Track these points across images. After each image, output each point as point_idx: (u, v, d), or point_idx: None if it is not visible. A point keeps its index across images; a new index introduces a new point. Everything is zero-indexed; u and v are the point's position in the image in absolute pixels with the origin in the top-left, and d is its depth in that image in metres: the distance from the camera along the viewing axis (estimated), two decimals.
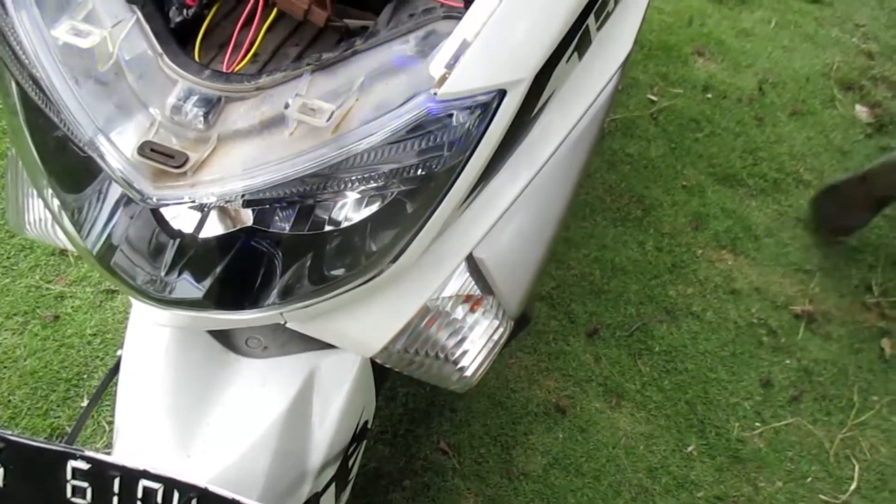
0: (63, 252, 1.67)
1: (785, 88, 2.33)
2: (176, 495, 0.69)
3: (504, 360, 1.56)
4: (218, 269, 0.69)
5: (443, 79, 0.63)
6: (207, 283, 0.70)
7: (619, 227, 1.86)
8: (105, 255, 0.70)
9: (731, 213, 1.93)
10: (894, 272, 1.84)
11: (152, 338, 0.90)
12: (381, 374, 1.01)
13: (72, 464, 0.72)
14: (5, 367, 1.49)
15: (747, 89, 2.31)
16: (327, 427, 0.91)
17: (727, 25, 2.55)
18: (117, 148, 0.65)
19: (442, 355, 0.84)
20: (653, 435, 1.48)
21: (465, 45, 0.63)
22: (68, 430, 1.42)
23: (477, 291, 0.84)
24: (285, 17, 0.77)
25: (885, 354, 1.67)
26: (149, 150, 0.64)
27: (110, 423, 1.44)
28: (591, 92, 0.82)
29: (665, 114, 2.19)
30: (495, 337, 0.86)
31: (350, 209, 0.69)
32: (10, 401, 1.44)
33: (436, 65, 0.63)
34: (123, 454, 0.84)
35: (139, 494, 0.69)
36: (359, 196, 0.67)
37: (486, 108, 0.65)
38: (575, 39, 0.72)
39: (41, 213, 0.88)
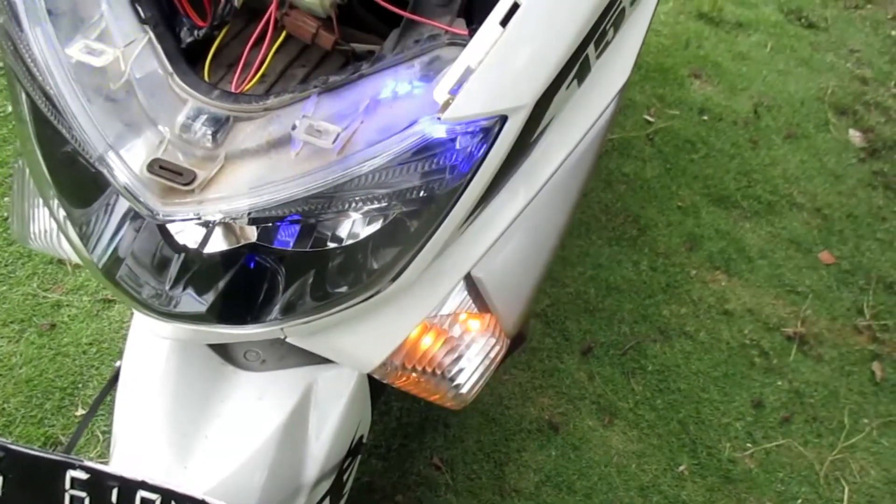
0: (61, 261, 1.68)
1: (780, 112, 2.36)
2: None
3: (498, 377, 1.57)
4: (221, 284, 0.70)
5: (446, 104, 0.65)
6: (211, 297, 0.71)
7: (614, 246, 1.87)
8: (111, 268, 0.71)
9: (725, 235, 1.95)
10: (886, 295, 1.86)
11: (152, 349, 0.90)
12: (377, 388, 1.02)
13: (71, 473, 0.73)
14: (0, 375, 1.49)
15: (742, 112, 2.34)
16: (323, 441, 0.91)
17: (723, 49, 2.59)
18: (127, 164, 0.67)
19: (439, 372, 0.86)
20: (645, 454, 1.49)
21: (468, 72, 0.64)
22: (62, 438, 1.43)
23: (475, 310, 0.85)
24: (293, 39, 0.78)
25: (875, 377, 1.69)
26: (158, 167, 0.65)
27: (104, 432, 1.44)
28: (590, 117, 0.84)
29: (661, 135, 2.22)
30: (492, 355, 0.88)
31: (352, 227, 0.70)
32: (4, 409, 1.45)
33: (440, 90, 0.65)
34: (121, 464, 0.85)
35: None
36: (361, 216, 0.68)
37: (488, 132, 0.67)
38: (575, 67, 0.74)
39: (46, 225, 0.89)
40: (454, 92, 0.65)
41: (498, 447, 1.47)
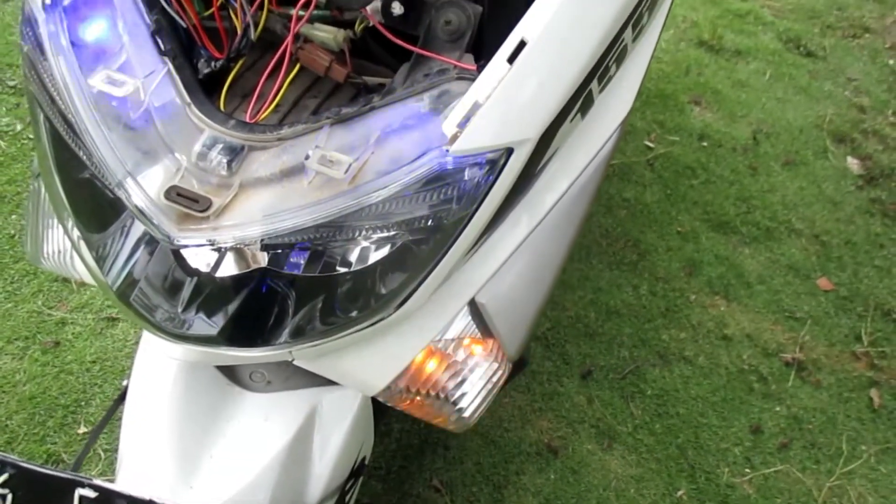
0: (66, 279, 1.70)
1: (778, 139, 2.39)
2: None
3: (498, 399, 1.58)
4: (232, 308, 0.72)
5: (454, 137, 0.67)
6: (222, 320, 0.72)
7: (614, 270, 1.89)
8: (125, 290, 0.73)
9: (725, 260, 1.97)
10: (884, 322, 1.87)
11: (160, 369, 0.92)
12: (380, 410, 1.03)
13: (79, 492, 0.74)
14: (4, 392, 1.50)
15: (742, 139, 2.37)
16: (327, 462, 0.93)
17: (723, 76, 2.62)
18: (145, 190, 0.69)
19: (442, 396, 0.87)
20: (643, 478, 1.50)
21: (476, 107, 0.67)
22: (64, 456, 1.43)
23: (478, 335, 0.86)
24: (305, 71, 0.81)
25: (873, 404, 1.70)
26: (175, 194, 0.67)
27: (106, 450, 1.45)
28: (593, 148, 0.86)
29: (661, 160, 2.24)
30: (494, 379, 0.89)
31: (361, 253, 0.72)
32: (7, 425, 1.45)
33: (448, 123, 0.67)
34: (127, 483, 0.86)
35: None
36: (369, 244, 0.70)
37: (494, 164, 0.69)
38: (579, 102, 0.77)
39: (59, 245, 0.91)
40: (462, 125, 0.67)
41: (497, 469, 1.48)
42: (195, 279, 0.71)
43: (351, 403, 0.94)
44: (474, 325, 0.86)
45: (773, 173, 2.26)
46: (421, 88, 0.72)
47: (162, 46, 0.74)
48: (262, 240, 0.68)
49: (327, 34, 0.78)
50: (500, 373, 0.89)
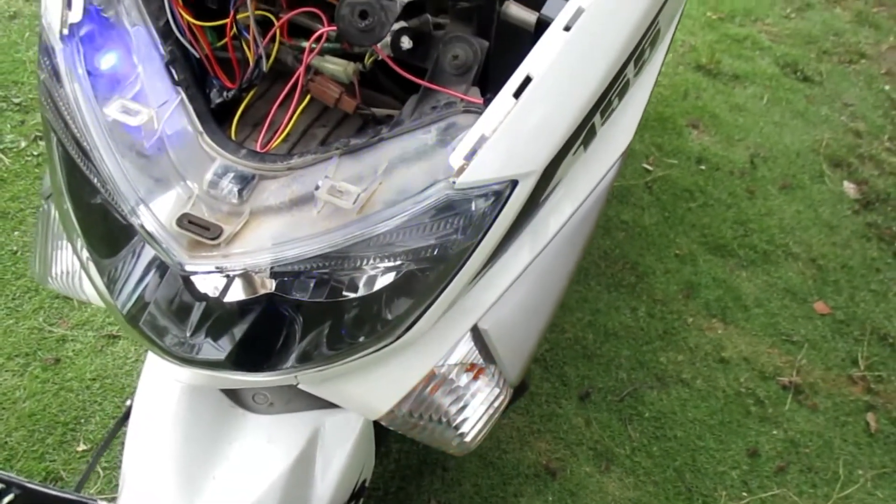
0: (67, 296, 1.70)
1: (776, 163, 2.42)
2: None
3: (497, 421, 1.58)
4: (240, 333, 0.73)
5: (461, 169, 0.69)
6: (229, 345, 0.73)
7: (612, 292, 1.91)
8: (135, 315, 0.74)
9: (722, 283, 1.98)
10: (880, 347, 1.89)
11: (164, 389, 0.93)
12: (381, 433, 1.04)
13: None
14: (4, 409, 1.50)
15: (739, 162, 2.39)
16: (328, 484, 0.93)
17: (721, 100, 2.66)
18: (157, 218, 0.70)
19: (444, 420, 0.88)
20: (641, 501, 1.50)
21: (483, 140, 0.69)
22: (63, 474, 1.43)
23: (480, 360, 0.88)
24: (314, 100, 0.83)
25: (870, 428, 1.71)
26: (187, 221, 0.69)
27: (104, 468, 1.45)
28: (594, 178, 0.88)
29: (659, 183, 2.27)
30: (495, 404, 0.90)
31: (367, 279, 0.73)
32: (6, 442, 1.46)
33: (455, 156, 0.69)
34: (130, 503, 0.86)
35: None
36: (375, 273, 0.71)
37: (499, 196, 0.71)
38: (582, 135, 0.78)
39: (68, 267, 0.92)
40: (469, 158, 0.69)
41: (495, 491, 1.48)
42: (203, 304, 0.73)
43: (353, 426, 0.95)
44: (476, 351, 0.87)
45: (770, 197, 2.28)
46: (429, 121, 0.74)
47: (175, 76, 0.76)
48: (271, 267, 0.69)
49: (337, 66, 0.80)
50: (501, 398, 0.90)
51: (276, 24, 0.80)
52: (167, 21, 0.79)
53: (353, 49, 0.82)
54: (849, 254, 2.13)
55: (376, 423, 0.95)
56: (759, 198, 2.27)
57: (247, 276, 0.72)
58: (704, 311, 1.90)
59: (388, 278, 0.73)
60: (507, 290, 0.86)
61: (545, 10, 0.77)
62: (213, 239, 0.68)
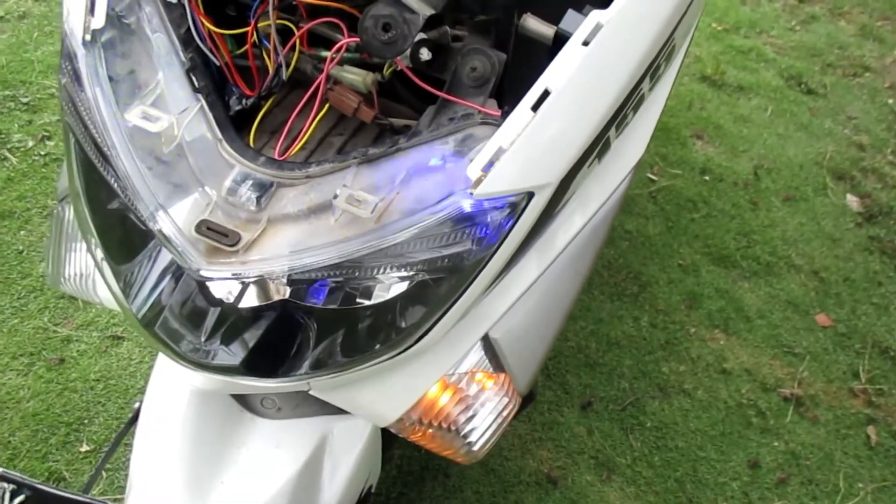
0: (73, 296, 1.71)
1: (779, 175, 2.43)
2: None
3: None
4: (255, 339, 0.74)
5: (478, 181, 0.69)
6: (244, 350, 0.74)
7: (615, 301, 1.91)
8: (150, 319, 0.74)
9: (725, 294, 1.99)
10: (881, 360, 1.90)
11: (173, 393, 0.93)
12: (389, 440, 1.05)
13: None
14: (8, 408, 1.50)
15: (743, 174, 2.40)
16: (335, 490, 0.94)
17: (725, 111, 2.67)
18: (176, 223, 0.71)
19: (453, 428, 0.88)
20: None
21: (500, 152, 0.69)
22: (66, 474, 1.44)
23: (490, 369, 0.88)
24: (331, 109, 0.83)
25: (870, 442, 1.71)
26: (205, 227, 0.69)
27: (108, 470, 1.45)
28: (607, 190, 0.89)
29: (663, 193, 2.28)
30: (504, 413, 0.91)
31: (382, 288, 0.74)
32: (10, 442, 1.46)
33: (473, 167, 0.69)
34: None
35: None
36: (390, 282, 0.72)
37: (515, 207, 0.71)
38: (597, 148, 0.79)
39: (81, 269, 0.92)
40: (486, 169, 0.69)
41: (496, 499, 1.48)
42: (219, 310, 0.73)
43: (361, 432, 0.96)
44: (487, 360, 0.88)
45: (773, 209, 2.29)
46: (446, 132, 0.75)
47: (196, 83, 0.76)
48: (289, 274, 0.70)
49: (356, 76, 0.81)
50: (510, 407, 0.91)
51: (297, 33, 0.80)
52: (188, 28, 0.80)
53: (373, 59, 0.83)
54: (851, 267, 2.14)
55: (384, 430, 0.96)
56: (762, 209, 2.28)
57: (262, 283, 0.72)
58: (707, 322, 1.91)
59: (403, 287, 0.73)
60: (518, 300, 0.87)
61: (563, 25, 0.78)
62: (231, 246, 0.69)
